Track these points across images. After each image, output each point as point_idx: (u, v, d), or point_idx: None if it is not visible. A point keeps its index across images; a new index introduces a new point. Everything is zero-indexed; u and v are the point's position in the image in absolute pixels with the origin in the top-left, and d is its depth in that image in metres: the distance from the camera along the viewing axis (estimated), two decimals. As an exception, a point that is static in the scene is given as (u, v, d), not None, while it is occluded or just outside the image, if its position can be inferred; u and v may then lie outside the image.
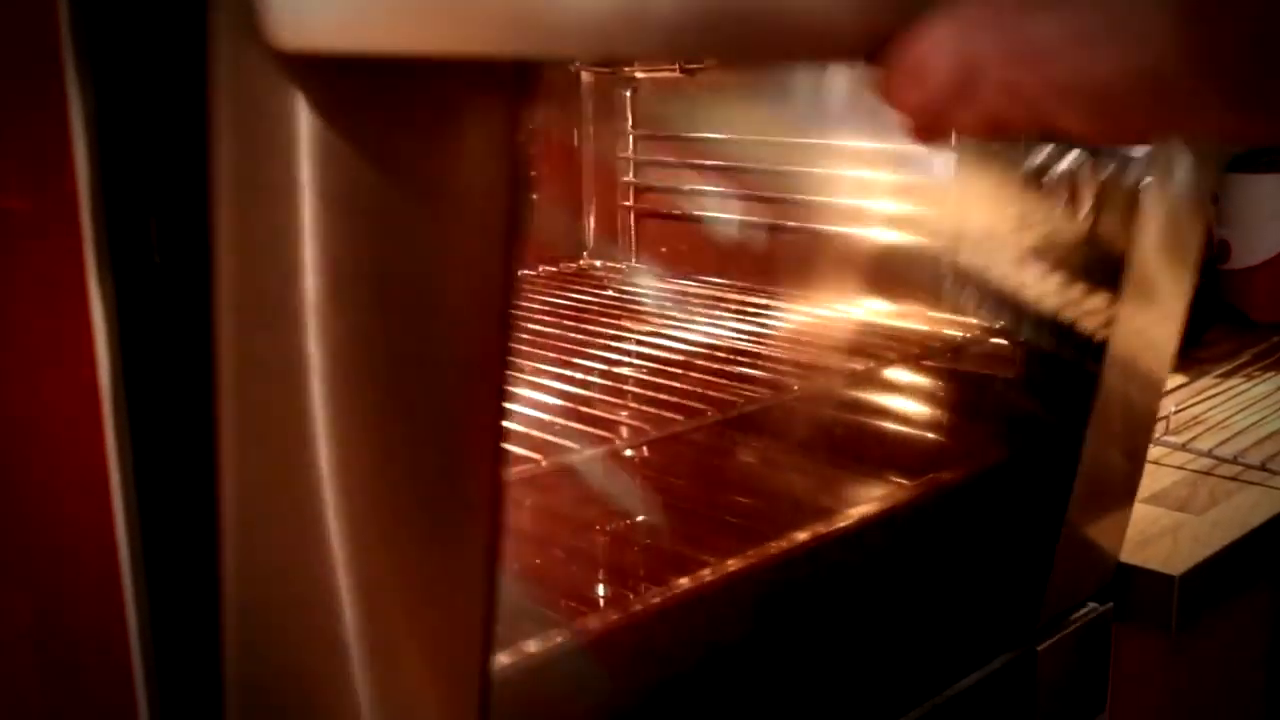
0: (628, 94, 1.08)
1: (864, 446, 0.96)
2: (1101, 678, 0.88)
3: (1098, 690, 0.88)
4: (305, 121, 0.36)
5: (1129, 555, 0.87)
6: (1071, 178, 0.77)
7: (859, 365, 0.80)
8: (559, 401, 0.76)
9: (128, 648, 0.47)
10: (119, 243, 0.43)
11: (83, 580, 0.50)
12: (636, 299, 0.99)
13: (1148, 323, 0.77)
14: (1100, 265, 0.75)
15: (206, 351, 0.43)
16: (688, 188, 1.05)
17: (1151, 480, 1.16)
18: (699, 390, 0.74)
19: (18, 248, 0.48)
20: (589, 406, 0.79)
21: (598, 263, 1.12)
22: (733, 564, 0.70)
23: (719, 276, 1.03)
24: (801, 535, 0.73)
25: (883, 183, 0.92)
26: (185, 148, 0.42)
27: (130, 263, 0.44)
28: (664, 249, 1.09)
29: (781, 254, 1.00)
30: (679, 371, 0.79)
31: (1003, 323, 0.85)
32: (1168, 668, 0.92)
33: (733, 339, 0.86)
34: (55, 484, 0.51)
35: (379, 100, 0.38)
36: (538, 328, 0.90)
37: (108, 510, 0.45)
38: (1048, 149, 0.79)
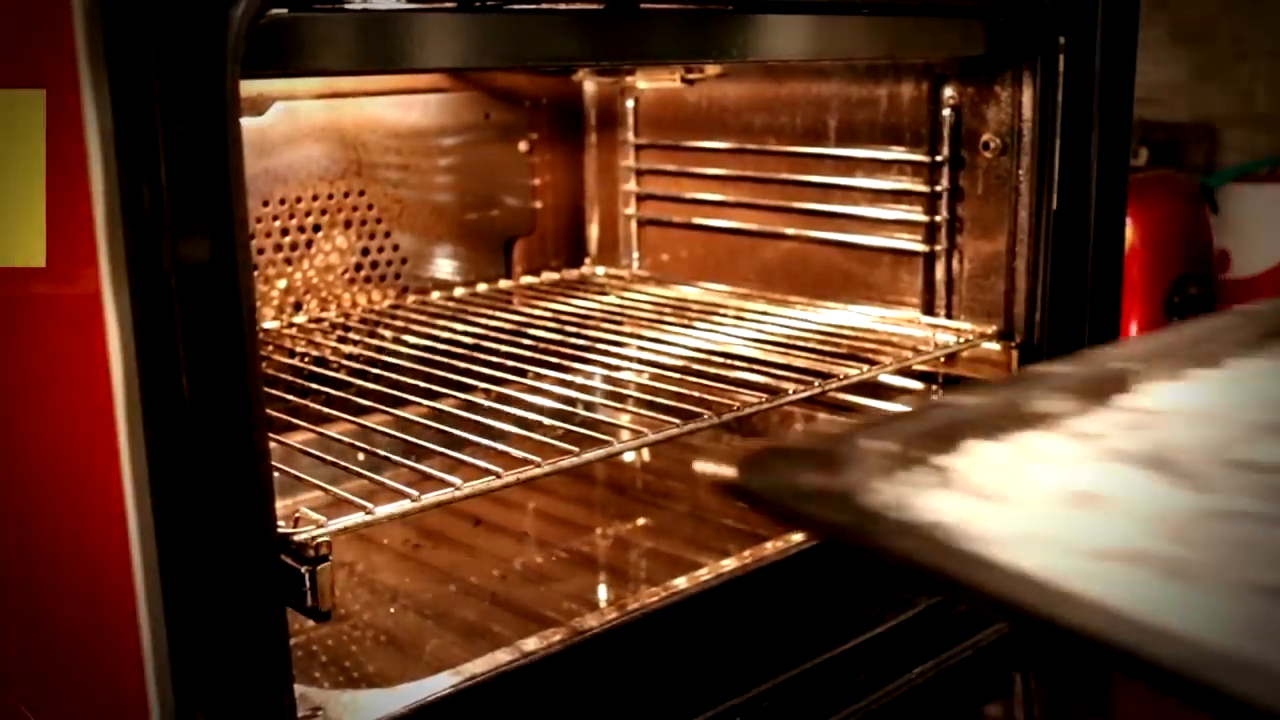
0: (630, 104, 1.09)
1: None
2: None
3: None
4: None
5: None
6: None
7: (854, 370, 0.80)
8: (561, 406, 0.77)
9: (139, 643, 0.48)
10: (137, 273, 0.45)
11: (99, 567, 0.51)
12: (638, 305, 1.00)
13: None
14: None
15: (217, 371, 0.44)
16: (689, 196, 1.06)
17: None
18: (697, 395, 0.75)
19: (43, 288, 0.49)
20: (590, 410, 0.80)
21: (600, 270, 1.13)
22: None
23: (719, 283, 1.04)
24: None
25: (878, 190, 0.93)
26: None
27: (146, 287, 0.45)
28: (665, 256, 1.10)
29: (780, 261, 1.01)
30: (678, 376, 0.80)
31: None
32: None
33: (731, 344, 0.87)
34: (73, 506, 0.51)
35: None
36: (540, 334, 0.91)
37: (124, 531, 0.46)
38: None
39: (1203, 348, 0.51)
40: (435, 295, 1.04)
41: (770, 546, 0.73)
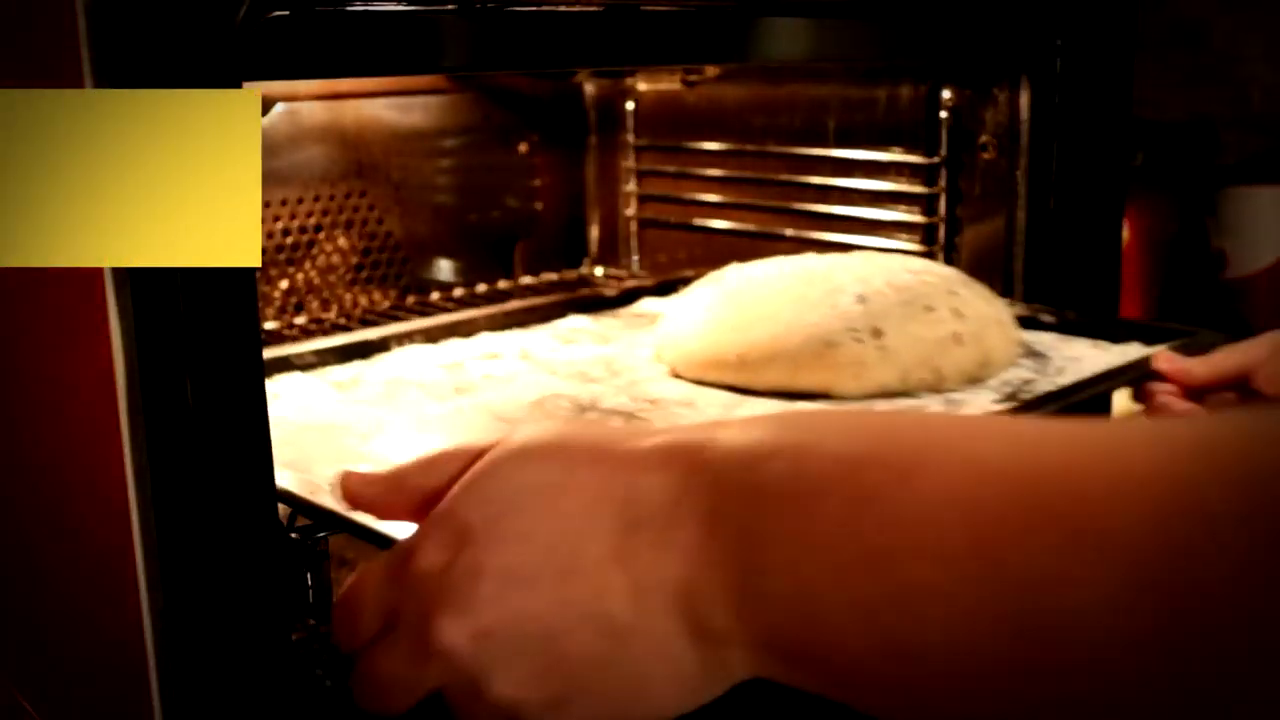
0: (630, 105, 1.09)
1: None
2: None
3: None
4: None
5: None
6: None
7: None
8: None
9: (142, 639, 0.48)
10: (140, 273, 0.45)
11: (100, 574, 0.51)
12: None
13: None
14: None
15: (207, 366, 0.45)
16: (688, 197, 1.07)
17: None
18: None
19: (46, 280, 0.49)
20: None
21: (599, 270, 1.14)
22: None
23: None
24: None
25: (876, 191, 0.93)
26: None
27: (149, 287, 0.45)
28: (665, 257, 1.10)
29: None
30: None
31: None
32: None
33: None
34: (76, 505, 0.52)
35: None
36: (540, 334, 0.91)
37: (126, 517, 0.47)
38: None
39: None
40: (435, 296, 1.04)
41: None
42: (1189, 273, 1.42)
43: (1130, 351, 0.73)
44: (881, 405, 0.66)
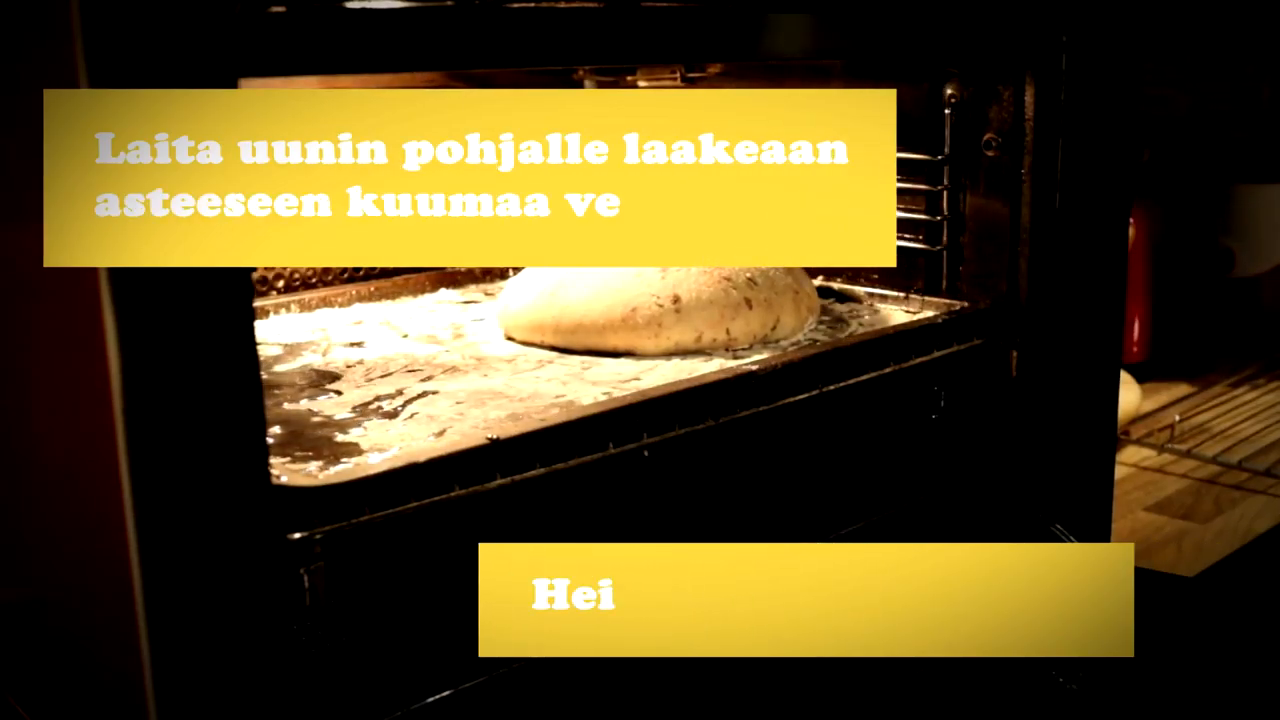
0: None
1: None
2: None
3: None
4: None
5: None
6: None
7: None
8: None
9: (137, 642, 0.48)
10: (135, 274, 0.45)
11: (97, 570, 0.51)
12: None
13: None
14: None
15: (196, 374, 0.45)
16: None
17: (1155, 489, 1.16)
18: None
19: (44, 294, 0.49)
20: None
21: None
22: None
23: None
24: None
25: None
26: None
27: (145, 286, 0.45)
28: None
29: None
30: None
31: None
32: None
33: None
34: (72, 505, 0.52)
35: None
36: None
37: (122, 525, 0.47)
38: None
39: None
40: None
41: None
42: (1195, 272, 1.42)
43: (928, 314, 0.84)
44: (677, 361, 0.77)
